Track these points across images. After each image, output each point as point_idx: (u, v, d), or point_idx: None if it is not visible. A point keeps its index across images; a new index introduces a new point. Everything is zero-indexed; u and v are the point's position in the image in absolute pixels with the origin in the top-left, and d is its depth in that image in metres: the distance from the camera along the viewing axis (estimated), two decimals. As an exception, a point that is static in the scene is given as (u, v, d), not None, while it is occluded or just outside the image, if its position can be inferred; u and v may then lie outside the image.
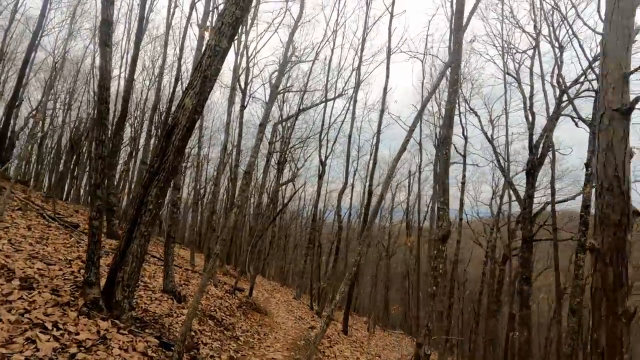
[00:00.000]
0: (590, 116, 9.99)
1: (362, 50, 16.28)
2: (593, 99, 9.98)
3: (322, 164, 17.39)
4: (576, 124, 11.17)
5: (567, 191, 17.46)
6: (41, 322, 3.14)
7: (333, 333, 11.17)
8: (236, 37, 12.42)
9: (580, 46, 10.71)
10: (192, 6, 12.53)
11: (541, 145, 12.40)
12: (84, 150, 22.06)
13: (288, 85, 18.39)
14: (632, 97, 2.70)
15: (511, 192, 15.08)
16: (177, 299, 6.49)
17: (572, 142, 46.42)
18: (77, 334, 3.19)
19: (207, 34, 5.77)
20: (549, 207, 13.87)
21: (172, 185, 6.62)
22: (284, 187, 23.08)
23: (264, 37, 28.83)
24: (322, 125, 17.67)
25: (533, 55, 13.23)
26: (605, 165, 1.55)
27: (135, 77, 12.30)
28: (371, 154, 17.46)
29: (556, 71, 12.15)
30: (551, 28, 11.95)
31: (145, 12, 13.08)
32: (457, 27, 5.02)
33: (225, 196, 23.96)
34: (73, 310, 3.53)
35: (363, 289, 27.30)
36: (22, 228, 6.29)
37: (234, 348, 6.06)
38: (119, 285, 3.81)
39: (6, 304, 3.26)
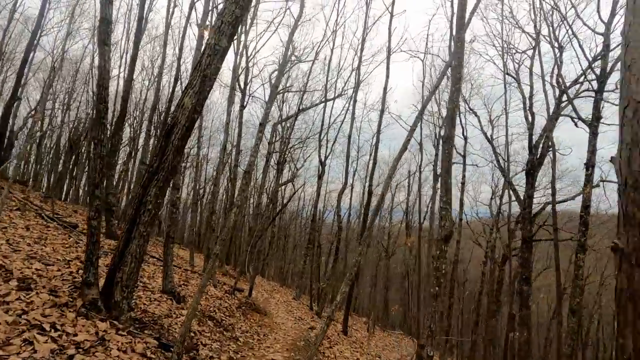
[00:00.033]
0: (590, 116, 9.98)
1: (361, 50, 16.29)
2: (593, 99, 9.97)
3: (322, 164, 17.38)
4: (576, 124, 11.16)
5: (566, 191, 17.49)
6: (39, 323, 3.11)
7: (333, 333, 11.15)
8: (236, 37, 12.39)
9: (580, 46, 10.76)
10: (192, 6, 12.49)
11: (541, 146, 12.41)
12: (82, 150, 22.02)
13: (288, 85, 18.38)
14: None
15: (511, 192, 15.09)
16: (177, 300, 6.46)
17: (572, 142, 46.62)
18: (75, 335, 3.16)
19: (206, 33, 5.74)
20: (548, 207, 13.88)
21: (171, 185, 6.59)
22: (283, 187, 23.08)
23: (263, 36, 28.76)
24: (322, 125, 17.68)
25: (533, 56, 13.25)
26: (630, 161, 1.50)
27: (134, 77, 12.26)
28: (371, 154, 17.46)
29: (556, 71, 12.17)
30: (551, 28, 11.97)
31: (145, 11, 13.07)
32: (459, 26, 5.00)
33: (224, 196, 23.93)
34: (71, 311, 3.50)
35: (363, 289, 27.29)
36: (20, 228, 6.25)
37: (234, 349, 6.04)
38: (118, 286, 3.78)
39: (3, 304, 3.23)
